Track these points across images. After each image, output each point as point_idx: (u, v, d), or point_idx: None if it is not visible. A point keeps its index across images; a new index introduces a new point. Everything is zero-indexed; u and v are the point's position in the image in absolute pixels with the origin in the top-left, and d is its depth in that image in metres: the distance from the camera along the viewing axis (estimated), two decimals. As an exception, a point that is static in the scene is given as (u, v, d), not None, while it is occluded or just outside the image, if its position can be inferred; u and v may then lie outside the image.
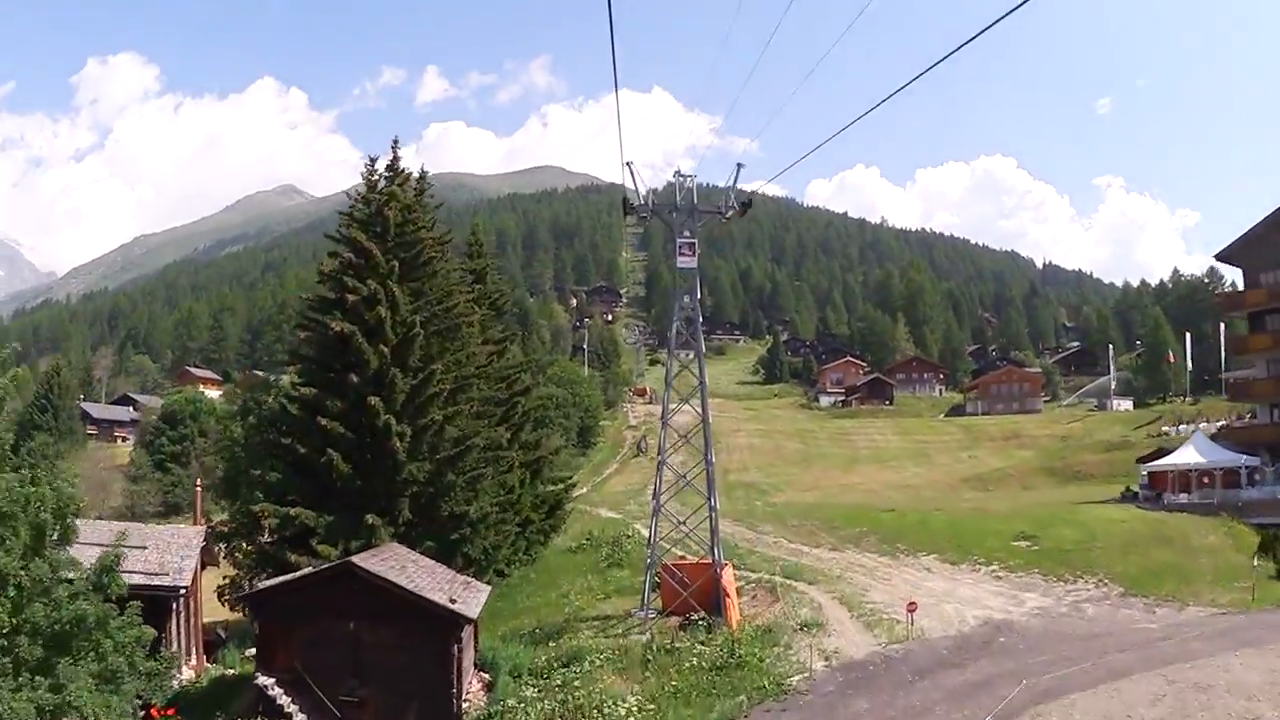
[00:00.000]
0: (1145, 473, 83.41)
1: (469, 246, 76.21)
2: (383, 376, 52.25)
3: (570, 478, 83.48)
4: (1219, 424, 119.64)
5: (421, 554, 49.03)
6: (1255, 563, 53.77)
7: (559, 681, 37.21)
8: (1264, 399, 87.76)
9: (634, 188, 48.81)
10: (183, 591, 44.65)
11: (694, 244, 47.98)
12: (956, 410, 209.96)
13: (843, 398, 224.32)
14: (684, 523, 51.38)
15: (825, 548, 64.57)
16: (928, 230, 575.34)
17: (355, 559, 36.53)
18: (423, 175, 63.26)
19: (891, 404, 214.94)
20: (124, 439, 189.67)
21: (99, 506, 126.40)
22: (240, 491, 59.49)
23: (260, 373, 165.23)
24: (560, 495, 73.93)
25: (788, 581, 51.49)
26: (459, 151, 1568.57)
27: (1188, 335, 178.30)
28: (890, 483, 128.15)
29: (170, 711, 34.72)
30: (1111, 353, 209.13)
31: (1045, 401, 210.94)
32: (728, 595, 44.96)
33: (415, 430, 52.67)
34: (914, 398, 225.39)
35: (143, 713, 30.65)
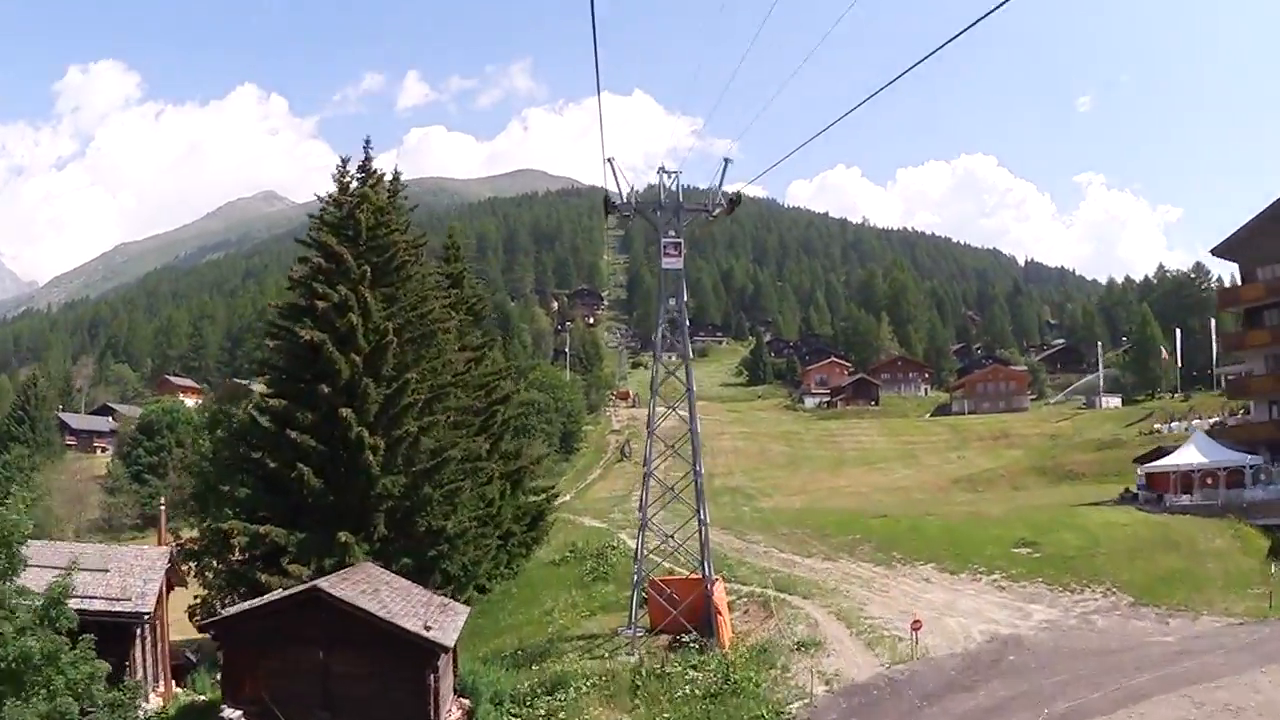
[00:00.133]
0: (1143, 473, 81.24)
1: (445, 250, 73.80)
2: (354, 386, 49.94)
3: (553, 488, 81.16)
4: (1212, 420, 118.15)
5: (398, 571, 46.95)
6: (1272, 569, 51.82)
7: (543, 711, 35.18)
8: (1262, 395, 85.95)
9: (616, 186, 46.51)
10: (145, 617, 42.31)
11: (680, 244, 45.74)
12: (943, 410, 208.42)
13: (828, 398, 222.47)
14: (672, 537, 49.17)
15: (818, 557, 62.43)
16: (909, 229, 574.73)
17: (323, 584, 34.23)
18: (396, 176, 60.75)
19: (877, 404, 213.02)
20: (103, 450, 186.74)
21: (75, 519, 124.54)
22: (209, 508, 57.14)
23: (241, 381, 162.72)
24: (542, 506, 71.79)
25: (781, 595, 49.47)
26: (440, 156, 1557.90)
27: (1178, 331, 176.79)
28: (879, 485, 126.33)
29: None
30: (1100, 350, 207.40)
31: (1032, 399, 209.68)
32: (719, 613, 42.83)
33: (389, 442, 50.35)
34: (899, 398, 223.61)
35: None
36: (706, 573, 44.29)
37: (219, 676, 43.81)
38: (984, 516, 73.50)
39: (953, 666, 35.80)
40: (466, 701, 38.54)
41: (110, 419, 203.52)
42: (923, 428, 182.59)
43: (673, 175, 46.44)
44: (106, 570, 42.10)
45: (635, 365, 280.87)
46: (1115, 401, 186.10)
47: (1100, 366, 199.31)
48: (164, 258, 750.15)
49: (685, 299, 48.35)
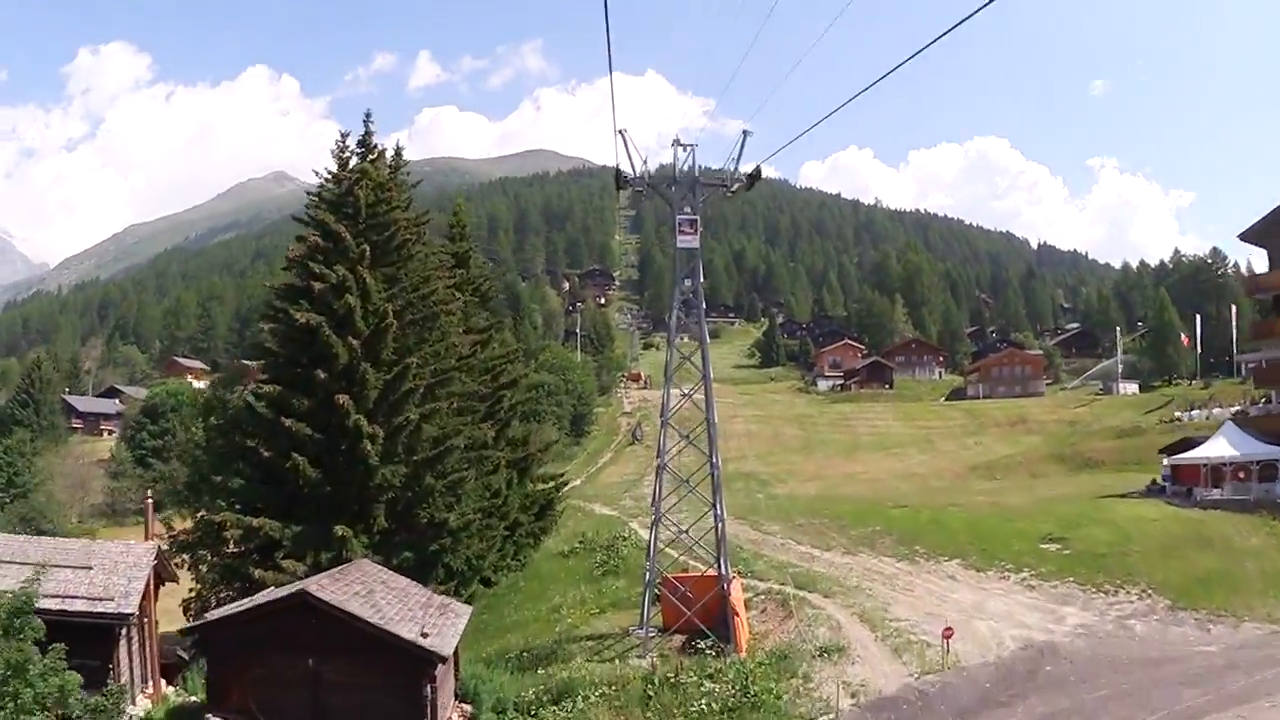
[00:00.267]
0: (1169, 464, 78.43)
1: (450, 228, 71.33)
2: (353, 372, 47.72)
3: (562, 475, 78.60)
4: (1233, 409, 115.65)
5: (398, 565, 44.89)
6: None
7: (548, 722, 32.78)
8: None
9: (628, 160, 43.64)
10: (129, 618, 40.06)
11: (695, 221, 42.98)
12: (957, 394, 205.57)
13: (841, 381, 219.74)
14: (686, 532, 46.67)
15: (838, 550, 60.05)
16: (922, 211, 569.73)
17: (312, 586, 31.85)
18: (398, 152, 58.25)
19: (891, 388, 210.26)
20: (110, 432, 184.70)
21: (78, 505, 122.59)
22: (203, 498, 54.85)
23: (248, 362, 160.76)
24: (551, 495, 69.56)
25: (800, 593, 47.05)
26: (451, 136, 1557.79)
27: (1198, 317, 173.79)
28: (895, 471, 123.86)
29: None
30: (1119, 335, 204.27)
31: (1048, 384, 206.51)
32: (736, 614, 40.42)
33: (389, 430, 48.12)
34: (913, 381, 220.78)
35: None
36: (723, 571, 41.85)
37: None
38: (1008, 508, 71.07)
39: (986, 678, 33.46)
40: (468, 708, 36.33)
41: (117, 401, 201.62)
42: (938, 412, 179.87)
43: (688, 148, 43.64)
44: (89, 567, 39.91)
45: (647, 346, 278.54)
46: (1132, 388, 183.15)
47: (1119, 352, 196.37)
48: (174, 239, 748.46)
49: (701, 279, 45.42)
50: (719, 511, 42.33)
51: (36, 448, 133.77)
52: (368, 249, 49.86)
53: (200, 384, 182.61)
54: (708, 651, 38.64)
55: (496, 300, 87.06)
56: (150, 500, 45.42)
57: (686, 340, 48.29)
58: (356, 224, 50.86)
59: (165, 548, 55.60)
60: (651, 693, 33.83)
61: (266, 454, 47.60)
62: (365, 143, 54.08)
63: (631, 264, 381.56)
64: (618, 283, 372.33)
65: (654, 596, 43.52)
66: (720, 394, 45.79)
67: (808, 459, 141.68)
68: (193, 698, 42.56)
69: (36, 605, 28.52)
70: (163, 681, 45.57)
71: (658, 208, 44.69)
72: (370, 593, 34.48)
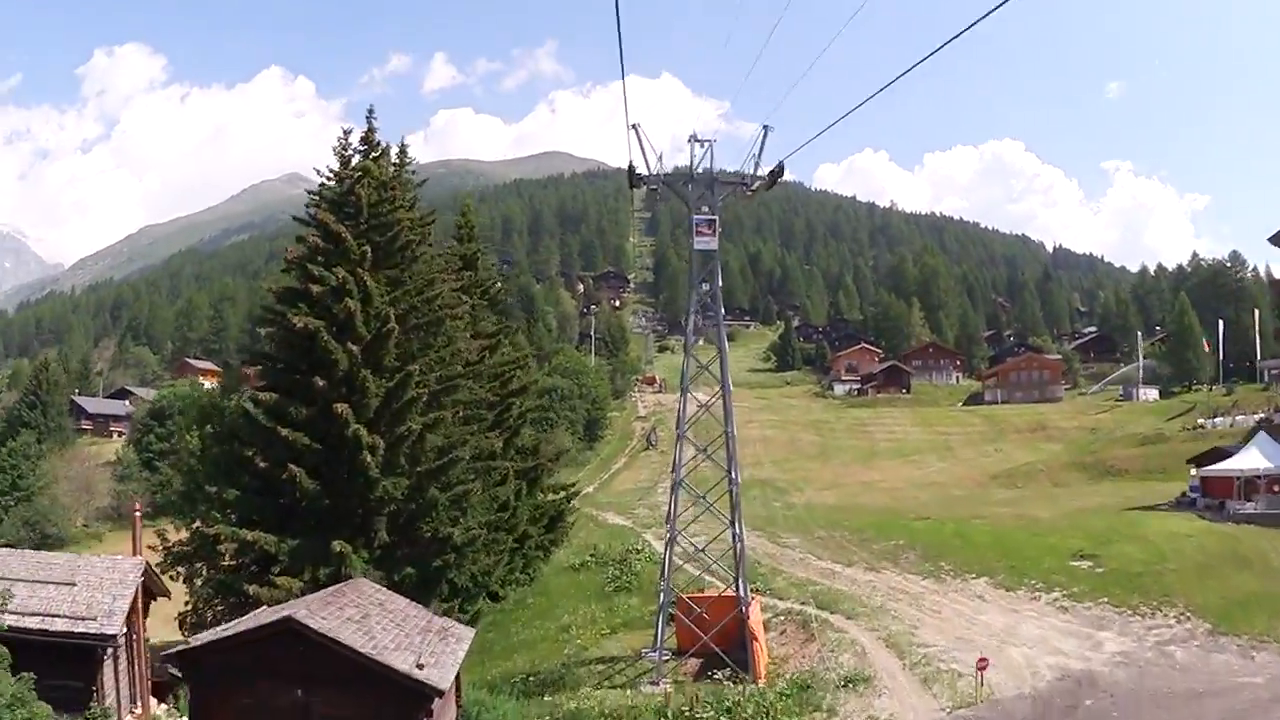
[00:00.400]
0: (1198, 475, 75.86)
1: (459, 229, 69.07)
2: (353, 379, 45.47)
3: (573, 485, 76.04)
4: (1256, 416, 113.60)
5: (400, 582, 42.89)
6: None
7: (553, 761, 30.59)
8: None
9: (642, 156, 41.16)
10: (113, 639, 38.00)
11: (714, 221, 40.68)
12: (975, 399, 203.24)
13: (858, 386, 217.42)
14: (703, 550, 44.43)
15: (859, 566, 57.83)
16: (937, 214, 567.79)
17: (301, 612, 29.61)
18: (403, 149, 55.76)
19: (909, 392, 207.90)
20: (119, 434, 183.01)
21: (84, 508, 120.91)
22: (199, 508, 52.79)
23: (247, 369, 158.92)
24: (561, 505, 67.24)
25: (822, 613, 44.83)
26: (467, 138, 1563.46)
27: (1220, 322, 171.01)
28: (914, 480, 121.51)
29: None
30: (1140, 339, 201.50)
31: (1066, 389, 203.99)
32: (755, 639, 38.21)
33: (391, 441, 45.84)
34: (931, 385, 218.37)
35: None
36: (742, 594, 39.60)
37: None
38: (1034, 521, 68.86)
39: (1023, 713, 31.24)
40: (469, 738, 34.17)
41: (127, 403, 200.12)
42: (956, 418, 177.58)
43: (705, 145, 41.35)
44: (73, 584, 37.96)
45: (662, 349, 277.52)
46: (1153, 393, 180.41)
47: (1140, 356, 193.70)
48: (188, 240, 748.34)
49: (720, 283, 42.88)
50: (738, 530, 40.10)
51: (42, 450, 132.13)
52: (369, 250, 47.66)
53: (210, 385, 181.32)
54: (724, 682, 36.41)
55: (510, 303, 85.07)
56: (139, 512, 43.43)
57: (702, 344, 45.66)
58: (358, 224, 48.66)
59: (159, 560, 53.92)
60: (665, 728, 31.68)
61: (263, 464, 45.47)
62: (368, 140, 51.76)
63: (647, 266, 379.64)
64: (633, 285, 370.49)
65: (668, 617, 41.37)
66: (736, 398, 43.27)
67: (825, 466, 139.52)
68: (185, 718, 40.63)
69: (15, 625, 27.02)
70: (154, 700, 43.65)
71: (673, 209, 42.49)
72: (365, 617, 32.28)
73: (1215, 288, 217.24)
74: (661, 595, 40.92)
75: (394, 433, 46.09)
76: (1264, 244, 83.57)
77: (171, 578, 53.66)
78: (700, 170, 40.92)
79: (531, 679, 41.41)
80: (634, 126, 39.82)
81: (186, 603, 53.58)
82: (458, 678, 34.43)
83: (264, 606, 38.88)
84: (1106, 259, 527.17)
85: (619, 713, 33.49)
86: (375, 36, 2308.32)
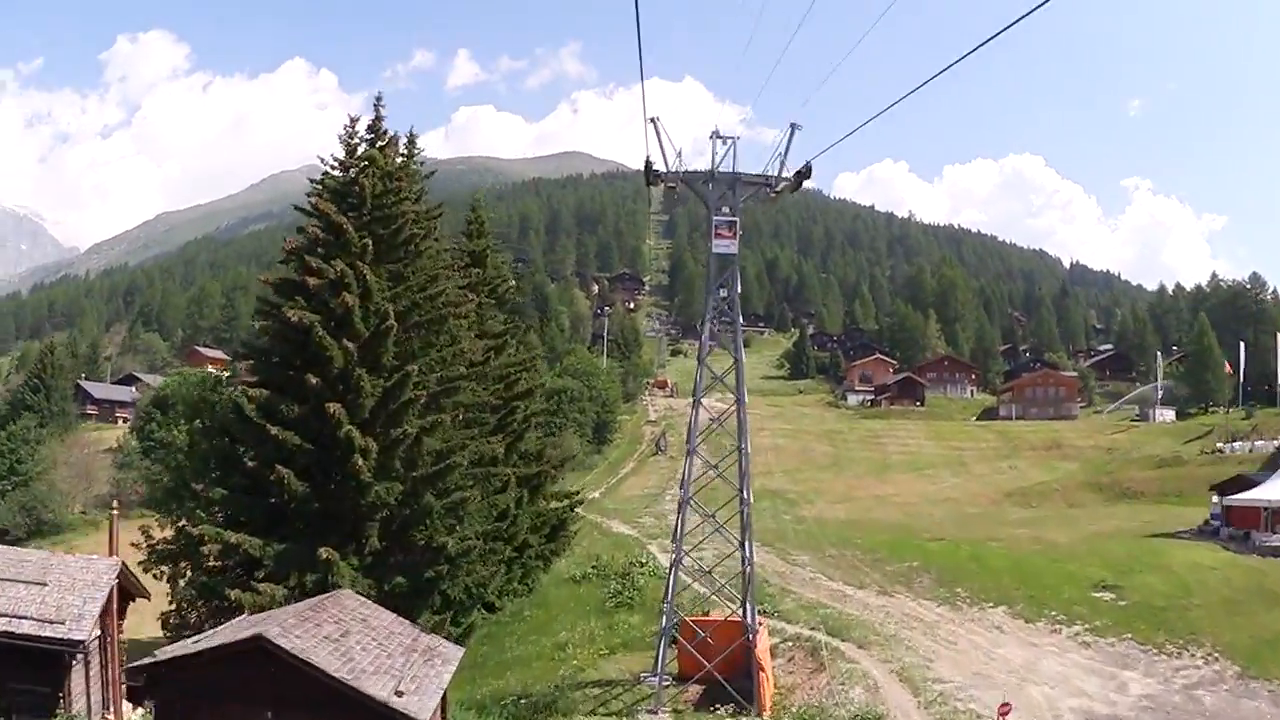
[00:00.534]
0: (1221, 503, 73.39)
1: (468, 225, 66.95)
2: (348, 377, 43.37)
3: (577, 493, 73.77)
4: (1277, 442, 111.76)
5: (390, 593, 40.99)
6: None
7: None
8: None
9: (660, 152, 38.49)
10: (81, 645, 36.03)
11: (734, 223, 38.19)
12: (989, 413, 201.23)
13: (871, 396, 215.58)
14: (710, 572, 42.21)
15: (872, 589, 55.69)
16: (956, 226, 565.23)
17: (274, 629, 27.48)
18: (412, 139, 53.52)
19: (923, 405, 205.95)
20: (125, 420, 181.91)
21: (82, 495, 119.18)
22: (185, 506, 50.83)
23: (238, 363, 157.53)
24: (564, 514, 65.05)
25: (832, 641, 42.58)
26: (488, 135, 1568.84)
27: (1241, 344, 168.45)
28: (927, 495, 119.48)
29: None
30: (1160, 359, 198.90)
31: (1081, 407, 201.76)
32: (761, 669, 36.01)
33: (386, 444, 43.78)
34: (945, 399, 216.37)
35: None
36: (749, 621, 37.37)
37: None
38: (1052, 546, 66.80)
39: (1048, 765, 28.99)
40: (454, 767, 32.03)
41: (133, 389, 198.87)
42: (970, 433, 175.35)
43: (728, 142, 38.90)
44: (44, 584, 36.07)
45: (675, 353, 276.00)
46: (1169, 414, 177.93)
47: (1159, 376, 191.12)
48: (205, 228, 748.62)
49: (739, 289, 40.19)
50: (747, 553, 37.85)
51: (42, 435, 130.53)
52: (371, 243, 45.57)
53: (201, 374, 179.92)
54: (727, 716, 34.26)
55: (522, 302, 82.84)
56: (116, 511, 41.47)
57: (716, 349, 43.04)
58: (361, 216, 46.64)
59: (144, 558, 52.06)
60: (662, 763, 29.55)
61: (252, 463, 43.53)
62: (375, 128, 49.64)
63: (662, 269, 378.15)
64: (647, 288, 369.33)
65: (670, 640, 39.21)
66: (748, 405, 40.75)
67: (837, 477, 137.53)
68: (159, 724, 38.68)
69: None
70: (128, 705, 41.71)
71: (691, 212, 40.22)
72: (344, 635, 30.15)
73: (1235, 309, 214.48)
74: (664, 619, 38.71)
75: (389, 435, 44.07)
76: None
77: (155, 576, 51.87)
78: (722, 169, 38.56)
79: (523, 701, 39.34)
80: (653, 120, 37.24)
81: (171, 603, 51.78)
82: (444, 698, 32.32)
83: (244, 614, 36.93)
84: (1123, 276, 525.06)
85: (615, 743, 31.36)
86: (400, 31, 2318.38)
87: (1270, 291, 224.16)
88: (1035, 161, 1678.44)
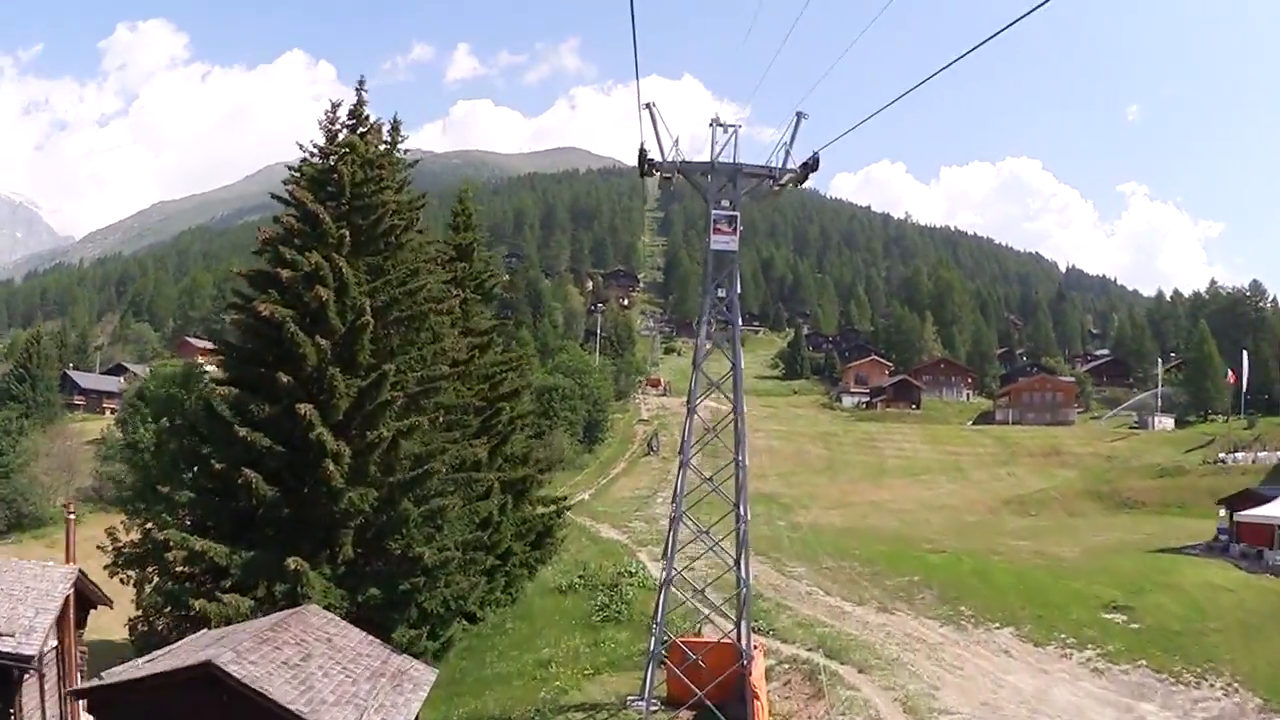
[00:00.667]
0: (1229, 519, 70.77)
1: (454, 217, 64.29)
2: (321, 377, 40.96)
3: (565, 499, 70.90)
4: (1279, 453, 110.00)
5: (363, 605, 38.65)
6: None
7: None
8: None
9: (655, 140, 35.58)
10: (31, 660, 33.65)
11: (735, 218, 35.18)
12: (985, 418, 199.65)
13: (867, 399, 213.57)
14: (703, 591, 39.79)
15: (871, 605, 53.28)
16: (952, 228, 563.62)
17: (226, 655, 25.05)
18: (395, 126, 50.72)
19: (918, 408, 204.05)
20: (112, 411, 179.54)
21: (64, 488, 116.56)
22: (153, 508, 48.45)
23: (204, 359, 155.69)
24: (550, 520, 62.49)
25: (831, 664, 40.19)
26: (485, 130, 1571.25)
27: (1244, 353, 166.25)
28: (924, 501, 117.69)
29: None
30: (1161, 366, 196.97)
31: (1078, 412, 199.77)
32: (756, 696, 33.58)
33: (360, 447, 41.36)
34: (941, 402, 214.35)
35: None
36: (744, 646, 34.94)
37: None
38: (1057, 561, 64.55)
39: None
40: (424, 799, 29.63)
41: (121, 380, 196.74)
42: (967, 437, 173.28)
43: (729, 130, 36.09)
44: (-7, 593, 33.83)
45: (668, 351, 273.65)
46: (1168, 422, 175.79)
47: (1160, 384, 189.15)
48: (201, 218, 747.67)
49: (738, 289, 37.24)
50: (743, 574, 35.35)
51: (24, 425, 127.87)
52: (349, 234, 43.16)
53: (211, 366, 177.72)
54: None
55: (518, 297, 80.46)
56: (72, 515, 39.10)
57: (713, 350, 40.22)
58: (339, 205, 44.25)
59: (109, 561, 49.69)
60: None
61: (219, 465, 41.06)
62: (357, 113, 47.18)
63: (657, 266, 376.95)
64: (642, 285, 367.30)
65: (659, 661, 36.81)
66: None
67: (832, 481, 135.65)
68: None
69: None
70: (88, 718, 39.39)
71: (687, 209, 37.75)
72: (306, 659, 27.73)
73: (1234, 316, 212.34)
74: (653, 642, 36.25)
75: (364, 438, 41.66)
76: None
77: (122, 580, 49.63)
78: (722, 159, 35.87)
79: (500, 725, 36.98)
80: (648, 105, 34.32)
81: (137, 609, 49.44)
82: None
83: (207, 628, 34.68)
84: (1119, 282, 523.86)
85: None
86: (399, 24, 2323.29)
87: (1270, 300, 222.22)
88: (1032, 165, 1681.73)
